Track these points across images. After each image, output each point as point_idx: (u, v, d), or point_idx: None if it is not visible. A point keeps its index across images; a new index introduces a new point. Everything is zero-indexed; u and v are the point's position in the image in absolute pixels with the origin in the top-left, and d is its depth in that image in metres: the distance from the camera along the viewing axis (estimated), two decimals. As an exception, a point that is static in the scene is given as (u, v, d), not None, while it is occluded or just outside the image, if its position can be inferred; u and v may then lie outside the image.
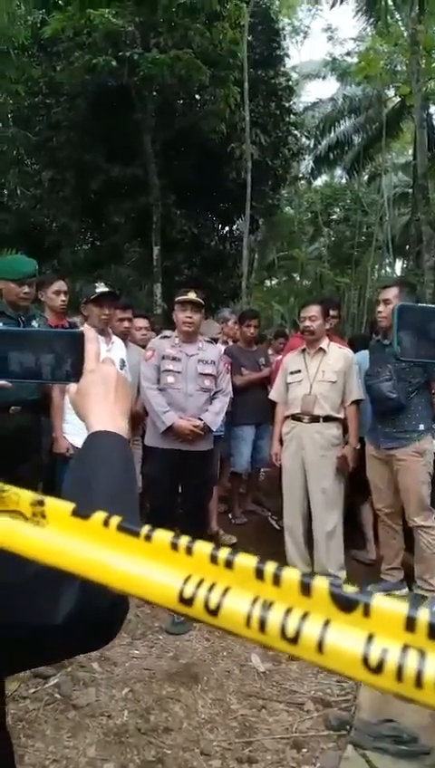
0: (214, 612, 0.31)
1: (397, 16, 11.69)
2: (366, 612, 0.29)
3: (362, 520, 4.34)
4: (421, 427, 3.43)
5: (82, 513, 0.38)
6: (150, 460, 3.76)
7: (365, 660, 0.27)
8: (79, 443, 3.38)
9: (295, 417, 3.87)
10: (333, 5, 13.22)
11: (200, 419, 3.52)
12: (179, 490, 3.70)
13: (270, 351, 5.93)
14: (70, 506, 0.39)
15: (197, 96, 10.85)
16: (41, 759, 2.24)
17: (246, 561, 0.32)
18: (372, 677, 0.27)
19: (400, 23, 11.87)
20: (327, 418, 3.79)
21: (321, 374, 3.82)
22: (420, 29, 8.89)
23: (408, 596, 3.58)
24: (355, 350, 4.09)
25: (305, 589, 0.30)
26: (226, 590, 0.31)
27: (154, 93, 10.15)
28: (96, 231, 12.18)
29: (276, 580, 0.31)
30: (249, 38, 10.74)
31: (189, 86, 9.95)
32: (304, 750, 2.39)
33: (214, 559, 0.33)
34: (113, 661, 2.94)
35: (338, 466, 3.77)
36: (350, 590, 0.30)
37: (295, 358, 4.02)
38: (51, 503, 0.39)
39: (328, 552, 3.75)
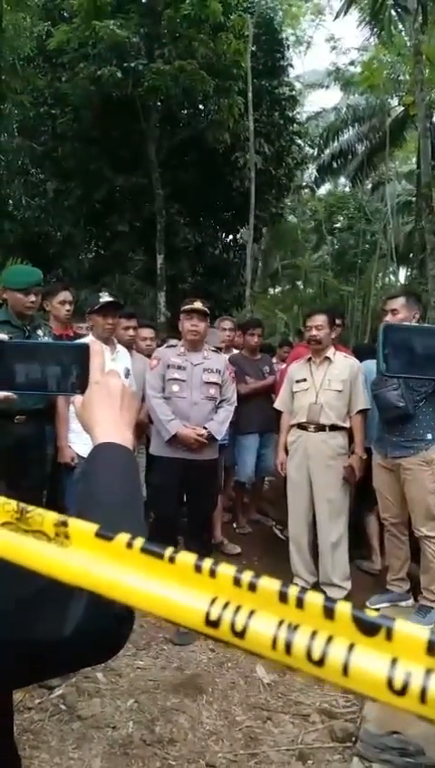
0: (240, 634, 0.32)
1: (400, 27, 11.76)
2: (389, 636, 0.29)
3: (368, 530, 4.33)
4: (429, 436, 3.42)
5: (105, 534, 0.38)
6: (155, 469, 3.77)
7: (390, 683, 0.28)
8: (84, 452, 3.38)
9: (301, 426, 3.87)
10: (336, 16, 13.30)
11: (205, 428, 3.53)
12: (184, 499, 3.69)
13: (275, 360, 5.93)
14: (93, 527, 0.39)
15: (201, 106, 10.93)
16: (46, 770, 2.23)
17: (270, 584, 0.33)
18: (397, 699, 0.28)
19: (403, 33, 11.94)
20: (333, 427, 3.78)
21: (327, 383, 3.81)
22: (424, 39, 8.95)
23: (414, 607, 3.57)
24: (360, 359, 4.09)
25: (329, 612, 0.31)
26: (251, 613, 0.32)
27: (159, 104, 10.25)
28: (100, 240, 12.25)
29: (300, 603, 0.31)
30: (253, 49, 10.84)
31: (194, 96, 10.02)
32: (310, 762, 2.38)
33: (237, 582, 0.33)
34: (118, 672, 2.93)
35: (345, 476, 3.76)
36: (372, 614, 0.30)
37: (301, 367, 4.02)
38: (74, 524, 0.40)
39: (333, 562, 3.74)
